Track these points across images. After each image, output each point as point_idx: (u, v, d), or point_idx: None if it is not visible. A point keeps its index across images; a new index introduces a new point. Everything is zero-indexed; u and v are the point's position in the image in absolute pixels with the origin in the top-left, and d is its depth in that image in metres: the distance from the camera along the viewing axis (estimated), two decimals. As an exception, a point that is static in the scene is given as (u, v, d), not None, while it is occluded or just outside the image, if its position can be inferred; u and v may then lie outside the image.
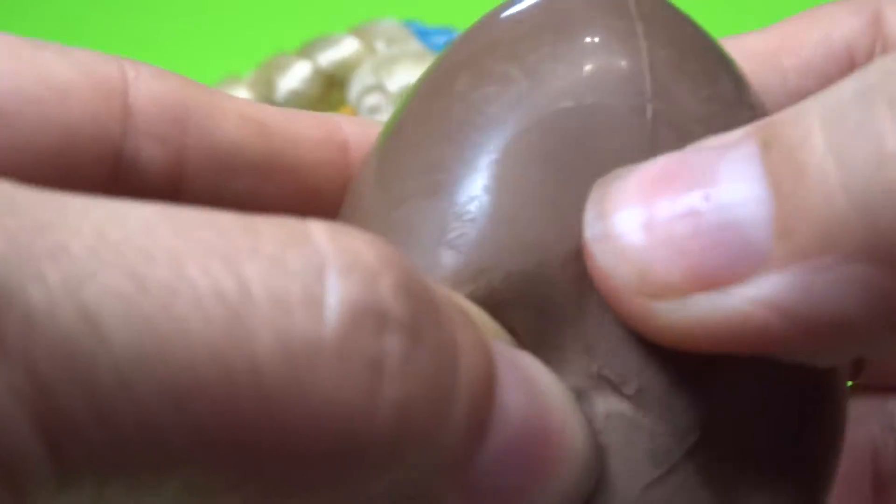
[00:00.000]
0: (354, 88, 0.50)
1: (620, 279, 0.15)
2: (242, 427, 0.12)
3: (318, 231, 0.13)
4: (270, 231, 0.13)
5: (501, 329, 0.16)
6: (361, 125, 0.20)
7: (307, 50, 0.52)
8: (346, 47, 0.52)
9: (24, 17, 0.90)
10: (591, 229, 0.16)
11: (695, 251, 0.15)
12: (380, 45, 0.52)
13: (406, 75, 0.49)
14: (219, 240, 0.12)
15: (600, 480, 0.16)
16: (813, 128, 0.15)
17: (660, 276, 0.15)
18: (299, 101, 0.51)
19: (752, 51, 0.22)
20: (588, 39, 0.18)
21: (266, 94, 0.52)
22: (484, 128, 0.18)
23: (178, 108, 0.19)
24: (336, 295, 0.12)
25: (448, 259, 0.17)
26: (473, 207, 0.17)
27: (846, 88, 0.15)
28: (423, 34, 0.52)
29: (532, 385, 0.14)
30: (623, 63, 0.18)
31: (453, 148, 0.18)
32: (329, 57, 0.52)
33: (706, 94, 0.18)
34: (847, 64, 0.22)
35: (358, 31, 0.52)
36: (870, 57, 0.21)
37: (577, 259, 0.17)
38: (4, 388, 0.11)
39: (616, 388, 0.17)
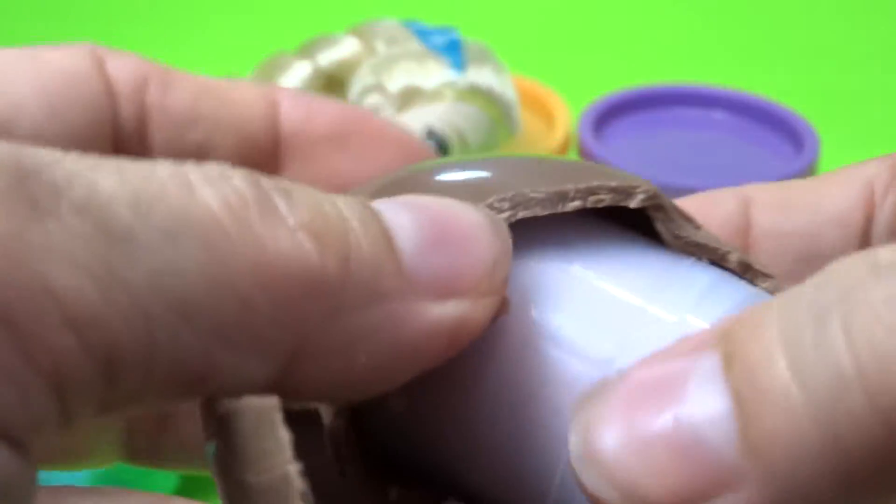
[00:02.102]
0: (354, 88, 0.50)
1: (608, 499, 0.16)
2: (226, 266, 0.16)
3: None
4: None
5: None
6: (292, 93, 0.26)
7: (307, 50, 0.52)
8: (346, 47, 0.52)
9: (24, 19, 0.90)
10: (575, 450, 0.17)
11: (672, 470, 0.16)
12: (380, 45, 0.52)
13: (406, 75, 0.49)
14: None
15: None
16: (774, 347, 0.16)
17: (643, 496, 0.16)
18: (299, 101, 0.51)
19: (793, 186, 0.25)
20: None
21: (266, 95, 0.52)
22: None
23: (141, 78, 0.25)
24: (237, 177, 0.17)
25: None
26: None
27: (803, 302, 0.16)
28: (423, 34, 0.52)
29: (411, 205, 0.18)
30: None
31: None
32: (329, 57, 0.52)
33: None
34: (868, 194, 0.24)
35: (358, 31, 0.52)
36: (885, 192, 0.24)
37: None
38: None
39: None
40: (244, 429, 0.16)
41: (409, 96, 0.49)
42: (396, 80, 0.49)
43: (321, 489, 0.17)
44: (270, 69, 0.52)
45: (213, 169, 0.16)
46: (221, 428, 0.16)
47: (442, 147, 0.48)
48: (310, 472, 0.16)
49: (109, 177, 0.15)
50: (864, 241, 0.24)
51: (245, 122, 0.25)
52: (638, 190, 0.21)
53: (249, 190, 0.16)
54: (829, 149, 0.59)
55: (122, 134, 0.24)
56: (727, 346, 0.16)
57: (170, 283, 0.15)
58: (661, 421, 0.16)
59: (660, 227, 0.21)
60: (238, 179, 0.16)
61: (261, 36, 0.83)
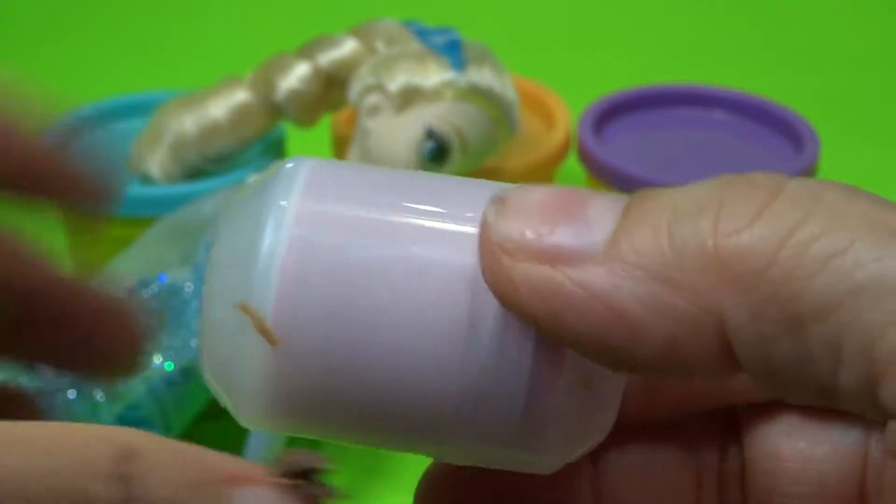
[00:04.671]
0: (354, 88, 0.50)
1: (496, 235, 0.20)
2: None
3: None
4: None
5: None
6: None
7: (307, 50, 0.52)
8: (346, 47, 0.52)
9: (26, 17, 0.90)
10: (490, 211, 0.20)
11: (555, 237, 0.20)
12: (380, 45, 0.52)
13: (406, 75, 0.49)
14: None
15: None
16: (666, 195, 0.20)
17: (523, 242, 0.20)
18: (299, 100, 0.51)
19: None
20: None
21: (266, 94, 0.52)
22: None
23: None
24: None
25: None
26: None
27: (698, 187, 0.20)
28: (423, 34, 0.52)
29: None
30: None
31: None
32: (329, 57, 0.52)
33: None
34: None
35: (358, 31, 0.52)
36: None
37: None
38: None
39: None
40: None
41: (409, 96, 0.49)
42: (396, 80, 0.49)
43: None
44: (270, 69, 0.52)
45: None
46: None
47: (442, 147, 0.48)
48: None
49: None
50: None
51: None
52: None
53: None
54: (829, 149, 0.59)
55: None
56: (639, 194, 0.20)
57: None
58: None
59: None
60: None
61: (261, 36, 0.83)
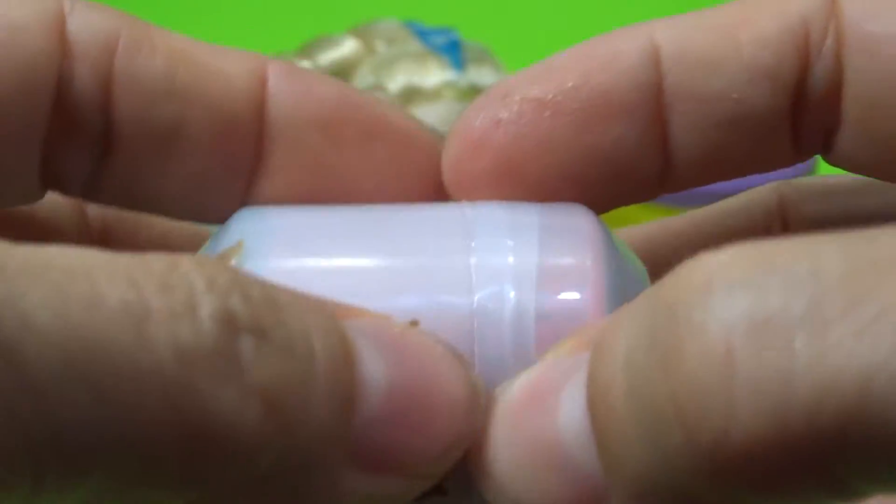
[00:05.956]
0: (354, 88, 0.50)
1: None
2: (150, 423, 0.15)
3: (186, 261, 0.16)
4: (157, 261, 0.16)
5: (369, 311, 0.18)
6: (285, 69, 0.22)
7: (307, 50, 0.52)
8: (346, 47, 0.52)
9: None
10: (474, 464, 0.17)
11: (552, 487, 0.17)
12: (380, 45, 0.52)
13: (406, 75, 0.49)
14: (124, 268, 0.15)
15: None
16: (618, 367, 0.16)
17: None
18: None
19: (708, 24, 0.22)
20: None
21: (266, 94, 0.52)
22: None
23: (110, 38, 0.21)
24: (206, 307, 0.15)
25: None
26: None
27: (644, 315, 0.15)
28: (423, 34, 0.52)
29: (397, 350, 0.17)
30: None
31: None
32: (329, 57, 0.52)
33: None
34: (802, 37, 0.21)
35: (358, 31, 0.52)
36: (824, 34, 0.21)
37: None
38: None
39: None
40: None
41: (409, 96, 0.49)
42: (396, 80, 0.49)
43: None
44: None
45: (181, 294, 0.15)
46: None
47: (442, 147, 0.49)
48: None
49: (45, 310, 0.14)
50: (799, 96, 0.21)
51: (226, 99, 0.21)
52: None
53: (213, 332, 0.15)
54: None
55: (78, 105, 0.20)
56: (593, 358, 0.16)
57: (72, 437, 0.14)
58: (540, 439, 0.17)
59: None
60: (206, 313, 0.15)
61: (261, 36, 0.83)
